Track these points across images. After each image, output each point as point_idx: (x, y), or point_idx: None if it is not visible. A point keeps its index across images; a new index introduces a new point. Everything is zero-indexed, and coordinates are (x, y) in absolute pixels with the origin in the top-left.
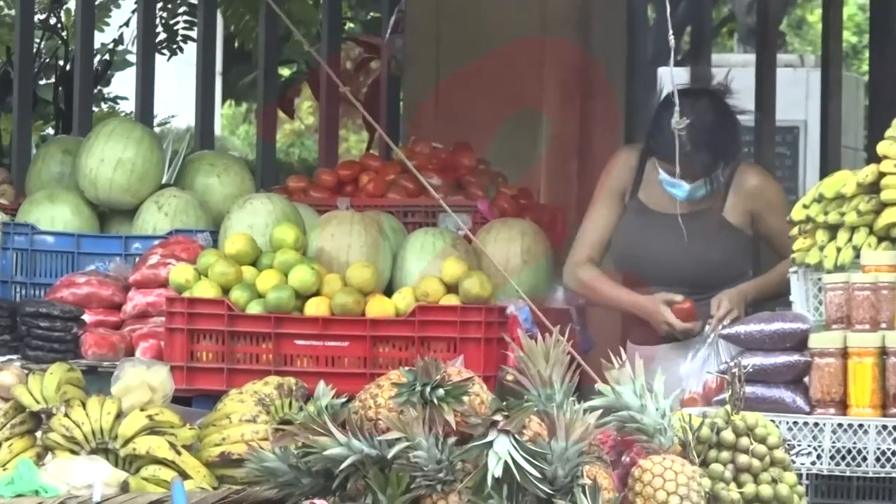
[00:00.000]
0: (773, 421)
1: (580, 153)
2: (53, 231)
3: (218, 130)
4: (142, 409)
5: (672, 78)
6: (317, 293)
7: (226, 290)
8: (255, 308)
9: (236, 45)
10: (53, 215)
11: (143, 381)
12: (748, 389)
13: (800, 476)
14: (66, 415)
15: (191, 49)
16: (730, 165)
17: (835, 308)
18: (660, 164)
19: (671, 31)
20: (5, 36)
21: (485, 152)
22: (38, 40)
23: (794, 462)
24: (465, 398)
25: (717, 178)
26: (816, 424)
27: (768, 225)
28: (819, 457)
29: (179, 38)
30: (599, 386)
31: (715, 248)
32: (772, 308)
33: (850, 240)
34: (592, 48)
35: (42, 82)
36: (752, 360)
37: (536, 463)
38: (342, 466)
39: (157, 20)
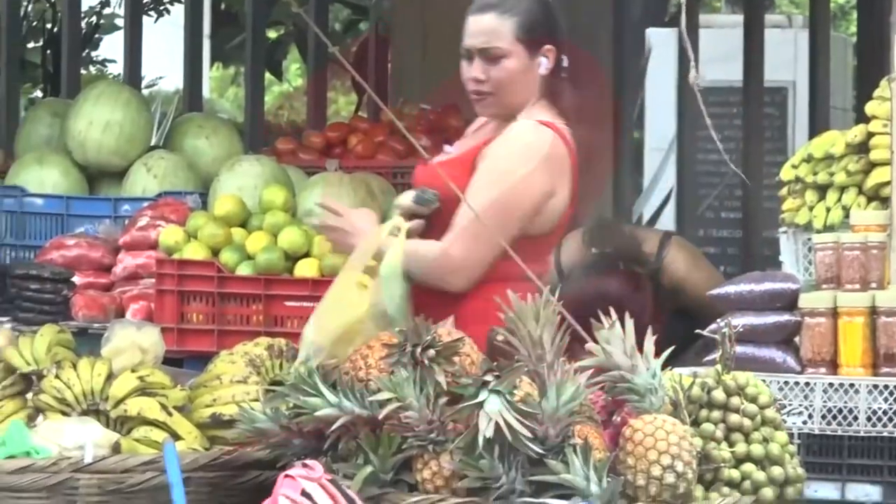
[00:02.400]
0: (763, 381)
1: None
2: (43, 193)
3: (206, 93)
4: (133, 371)
5: (683, 32)
6: (306, 254)
7: (215, 252)
8: (244, 269)
9: (223, 6)
10: (42, 178)
11: (133, 342)
12: (738, 349)
13: (791, 436)
14: (57, 376)
15: (178, 11)
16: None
17: (824, 268)
18: None
19: None
20: None
21: (472, 113)
22: (25, 3)
23: (785, 422)
24: (456, 359)
25: None
26: (807, 384)
27: None
28: (810, 416)
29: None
30: (590, 346)
31: None
32: None
33: (839, 200)
34: (579, 8)
35: (30, 45)
36: (743, 321)
37: (527, 423)
38: (333, 427)
39: None
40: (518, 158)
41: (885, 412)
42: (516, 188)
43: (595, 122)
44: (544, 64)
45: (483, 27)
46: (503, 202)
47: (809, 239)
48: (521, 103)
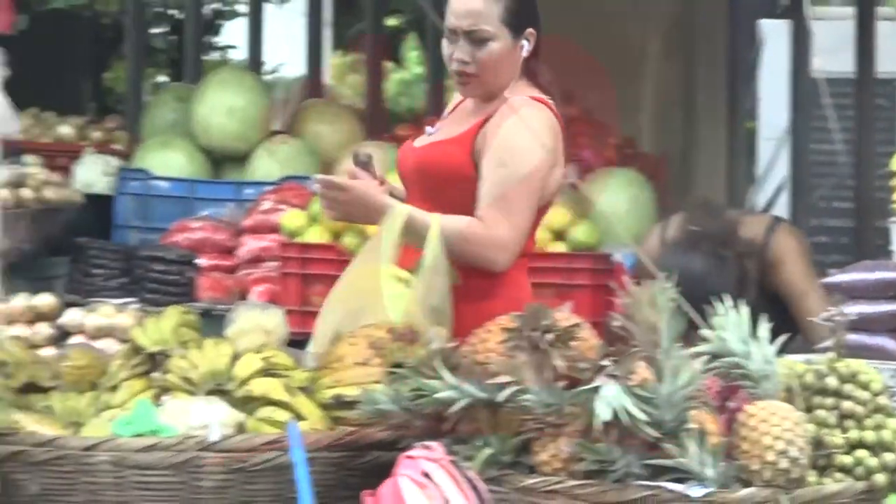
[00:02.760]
0: (875, 368)
1: (683, 103)
2: (169, 177)
3: (328, 79)
4: (257, 352)
5: (808, 20)
6: None
7: (337, 236)
8: None
9: None
10: (167, 161)
11: (257, 324)
12: (850, 337)
13: None
14: (183, 356)
15: None
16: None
17: None
18: None
19: None
20: None
21: (590, 103)
22: None
23: None
24: (574, 343)
25: None
26: None
27: None
28: None
29: None
30: (705, 332)
31: None
32: None
33: None
34: (695, 1)
35: (154, 31)
36: (855, 309)
37: (644, 407)
38: (453, 409)
39: None
40: (527, 132)
41: None
42: (534, 161)
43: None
44: (526, 46)
45: (470, 9)
46: (526, 175)
47: None
48: (504, 84)
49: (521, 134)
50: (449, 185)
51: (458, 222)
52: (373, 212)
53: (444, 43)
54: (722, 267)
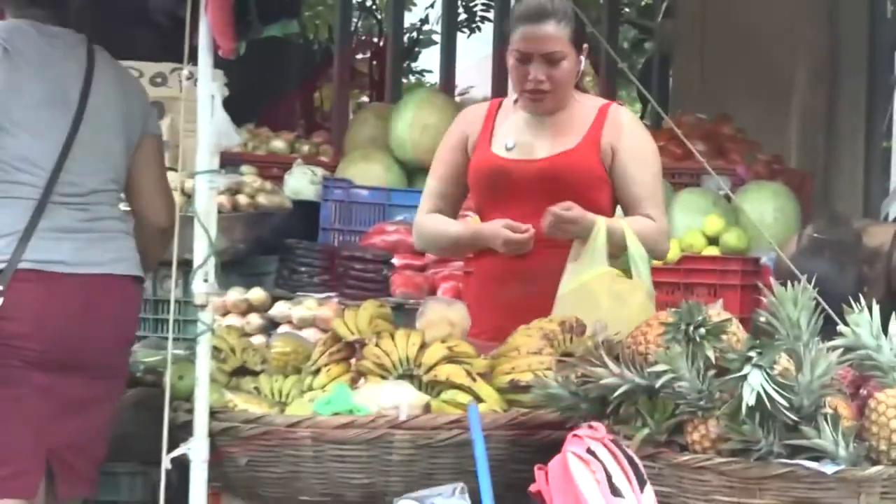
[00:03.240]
0: None
1: (827, 124)
2: (368, 186)
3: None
4: (443, 341)
5: None
6: None
7: None
8: None
9: None
10: (367, 172)
11: (443, 316)
12: None
13: None
14: (377, 345)
15: (488, 28)
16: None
17: None
18: None
19: None
20: (328, 16)
21: (742, 123)
22: (355, 20)
23: None
24: (724, 337)
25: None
26: None
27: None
28: None
29: (478, 18)
30: (840, 327)
31: None
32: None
33: None
34: (839, 34)
35: (358, 56)
36: None
37: (785, 394)
38: (616, 394)
39: (459, 2)
40: (646, 133)
41: None
42: (658, 155)
43: None
44: (583, 61)
45: (545, 34)
46: (660, 170)
47: None
48: (569, 96)
49: (645, 135)
50: (585, 187)
51: (637, 222)
52: (584, 228)
53: (513, 65)
54: (842, 272)
